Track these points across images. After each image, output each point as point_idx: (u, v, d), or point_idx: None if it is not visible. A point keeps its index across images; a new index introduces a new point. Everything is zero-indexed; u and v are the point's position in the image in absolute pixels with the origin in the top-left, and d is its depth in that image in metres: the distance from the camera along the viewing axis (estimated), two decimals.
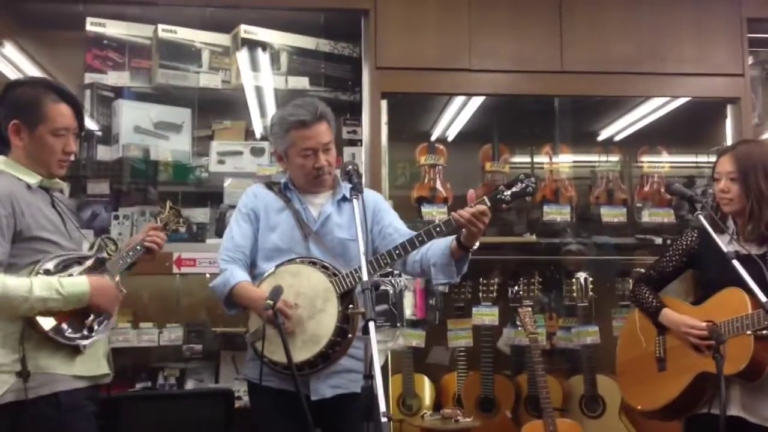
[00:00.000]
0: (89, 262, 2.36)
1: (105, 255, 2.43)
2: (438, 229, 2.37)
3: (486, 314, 3.96)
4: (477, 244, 2.40)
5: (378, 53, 3.90)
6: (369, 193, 2.67)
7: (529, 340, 3.75)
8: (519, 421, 3.94)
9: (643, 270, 2.99)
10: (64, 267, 2.28)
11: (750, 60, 4.16)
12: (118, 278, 2.44)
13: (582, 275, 4.08)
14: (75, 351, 2.25)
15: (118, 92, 3.95)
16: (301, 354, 2.34)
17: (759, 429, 2.51)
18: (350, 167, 2.44)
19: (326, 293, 2.39)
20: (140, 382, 3.78)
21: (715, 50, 4.07)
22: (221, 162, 4.02)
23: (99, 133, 3.95)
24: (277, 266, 2.49)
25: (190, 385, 3.87)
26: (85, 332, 2.28)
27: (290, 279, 2.43)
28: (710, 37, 4.07)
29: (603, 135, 4.77)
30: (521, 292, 4.01)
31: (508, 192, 2.40)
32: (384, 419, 1.77)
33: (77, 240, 2.44)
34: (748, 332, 2.44)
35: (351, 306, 2.37)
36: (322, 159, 2.54)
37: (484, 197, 2.37)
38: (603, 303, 4.14)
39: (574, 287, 4.08)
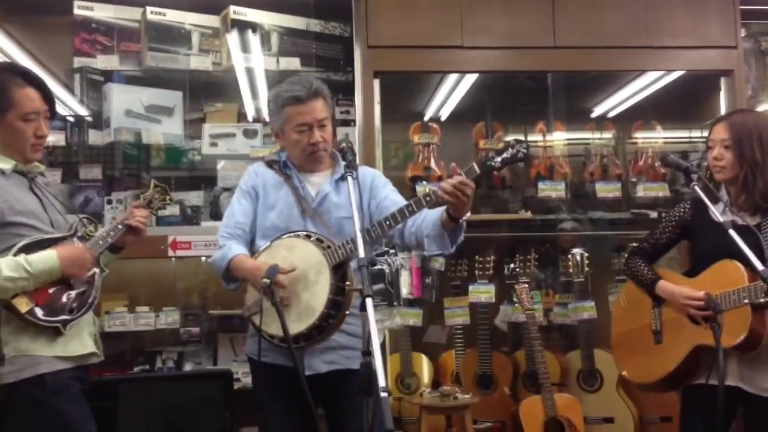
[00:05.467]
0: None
1: (83, 235, 2.40)
2: (428, 198, 2.34)
3: (482, 292, 3.96)
4: (467, 214, 2.36)
5: (369, 32, 3.87)
6: (365, 170, 2.67)
7: (526, 316, 3.77)
8: (517, 397, 3.96)
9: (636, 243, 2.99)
10: (40, 249, 2.24)
11: (743, 32, 4.15)
12: (99, 259, 2.41)
13: (578, 251, 4.07)
14: (56, 332, 2.23)
15: (108, 76, 3.92)
16: (296, 326, 2.33)
17: (756, 399, 2.53)
18: (344, 145, 2.45)
19: (319, 266, 2.38)
20: (138, 365, 3.78)
21: (708, 23, 4.04)
22: (214, 144, 3.99)
23: (89, 118, 3.93)
24: (273, 240, 2.50)
25: (188, 368, 3.87)
26: (66, 314, 2.26)
27: (285, 252, 2.44)
28: (703, 10, 4.05)
29: (597, 111, 4.76)
30: (517, 269, 4.02)
31: (499, 158, 2.35)
32: (384, 394, 1.77)
33: (60, 224, 2.40)
34: (745, 301, 2.45)
35: (348, 283, 2.37)
36: (317, 135, 2.53)
37: (474, 164, 2.34)
38: (599, 278, 4.14)
39: (570, 263, 4.08)
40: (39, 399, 2.18)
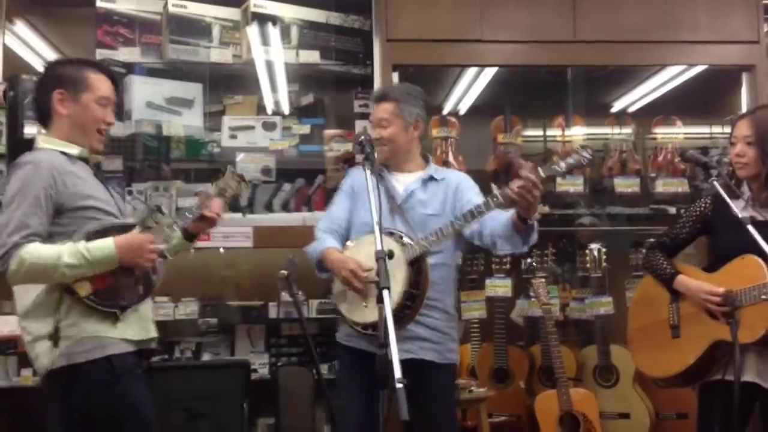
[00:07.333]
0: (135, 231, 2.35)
1: (151, 223, 2.42)
2: (495, 199, 2.47)
3: (499, 286, 3.96)
4: (536, 215, 2.45)
5: (389, 25, 3.88)
6: (453, 173, 2.91)
7: (543, 311, 3.76)
8: (533, 392, 3.96)
9: (654, 239, 2.97)
10: (104, 233, 2.28)
11: (765, 27, 4.10)
12: (165, 246, 2.43)
13: (595, 246, 4.06)
14: (115, 317, 2.27)
15: (130, 68, 3.95)
16: (373, 315, 2.41)
17: None
18: (363, 138, 2.54)
19: (397, 260, 2.51)
20: (156, 355, 3.81)
21: (730, 17, 4.02)
22: (233, 137, 4.03)
23: None
24: (359, 236, 2.71)
25: (206, 358, 3.91)
26: (124, 300, 2.29)
27: (368, 247, 2.54)
28: (725, 4, 4.02)
29: (617, 106, 4.74)
30: (534, 264, 4.01)
31: (563, 164, 2.45)
32: (399, 385, 1.79)
33: (125, 210, 2.48)
34: (764, 297, 2.43)
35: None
36: (375, 132, 2.81)
37: (539, 168, 2.42)
38: (616, 274, 4.12)
39: (588, 258, 4.06)
40: (108, 380, 2.23)
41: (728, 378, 2.40)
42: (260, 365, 3.91)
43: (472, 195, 2.75)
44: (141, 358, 2.38)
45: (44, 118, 2.40)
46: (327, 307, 3.96)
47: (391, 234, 2.62)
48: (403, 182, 2.80)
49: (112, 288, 2.26)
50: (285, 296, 3.75)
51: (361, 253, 2.58)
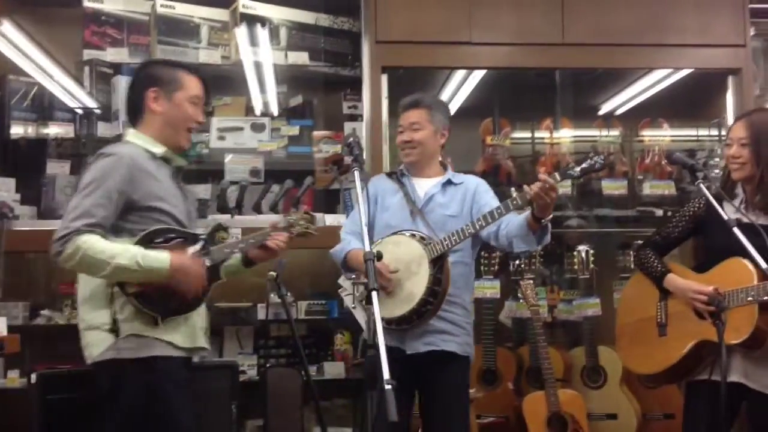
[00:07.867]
0: (198, 245, 2.37)
1: (214, 240, 2.44)
2: (514, 201, 2.59)
3: (488, 287, 3.97)
4: (550, 215, 2.59)
5: (378, 27, 3.88)
6: (471, 178, 3.00)
7: (531, 312, 3.78)
8: (521, 393, 3.96)
9: (641, 241, 2.99)
10: (166, 240, 2.30)
11: (752, 31, 4.14)
12: (221, 266, 2.46)
13: (583, 248, 4.07)
14: (155, 320, 2.28)
15: (117, 69, 3.94)
16: (398, 310, 2.66)
17: (759, 396, 2.54)
18: (351, 140, 2.57)
19: (420, 259, 2.68)
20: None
21: (717, 21, 4.04)
22: (222, 138, 4.03)
23: (98, 111, 3.95)
24: (383, 238, 2.81)
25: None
26: (167, 307, 2.30)
27: (392, 247, 2.75)
28: (712, 8, 4.05)
29: (604, 108, 4.76)
30: (523, 266, 4.02)
31: (578, 168, 2.57)
32: (388, 386, 1.80)
33: (193, 219, 2.49)
34: (749, 299, 2.45)
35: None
36: (404, 135, 2.92)
37: (555, 173, 2.55)
38: (604, 275, 4.14)
39: (576, 260, 4.08)
40: (150, 380, 2.26)
41: (715, 378, 2.42)
42: (249, 367, 3.91)
43: (489, 198, 2.89)
44: (186, 366, 2.39)
45: (134, 115, 2.44)
46: (315, 308, 3.97)
47: (413, 235, 2.75)
48: (423, 187, 2.92)
49: (157, 292, 2.27)
50: (274, 298, 3.75)
51: (385, 253, 2.64)
